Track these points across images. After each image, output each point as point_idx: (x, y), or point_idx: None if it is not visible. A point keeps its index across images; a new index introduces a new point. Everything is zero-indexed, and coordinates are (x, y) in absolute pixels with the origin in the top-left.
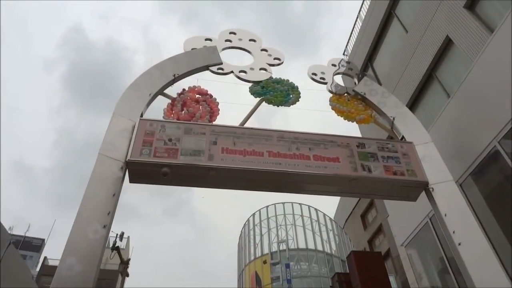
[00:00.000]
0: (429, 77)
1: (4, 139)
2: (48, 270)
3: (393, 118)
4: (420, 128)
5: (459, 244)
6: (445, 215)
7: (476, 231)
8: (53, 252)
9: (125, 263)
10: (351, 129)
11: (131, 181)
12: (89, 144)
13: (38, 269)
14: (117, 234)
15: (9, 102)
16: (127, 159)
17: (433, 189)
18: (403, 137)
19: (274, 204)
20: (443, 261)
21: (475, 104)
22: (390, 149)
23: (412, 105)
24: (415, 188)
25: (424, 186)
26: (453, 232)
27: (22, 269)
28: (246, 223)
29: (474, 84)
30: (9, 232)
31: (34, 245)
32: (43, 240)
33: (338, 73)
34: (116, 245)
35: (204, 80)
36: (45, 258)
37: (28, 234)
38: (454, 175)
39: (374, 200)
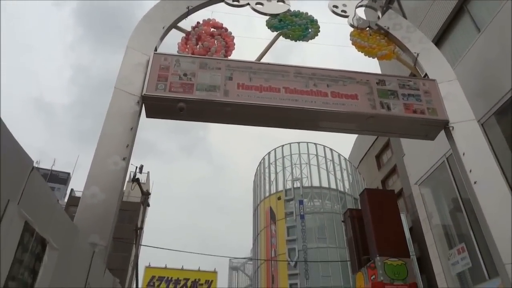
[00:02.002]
0: (459, 10)
1: (21, 76)
2: (75, 201)
3: (417, 54)
4: (445, 65)
5: (475, 182)
6: (464, 154)
7: (493, 170)
8: (78, 185)
9: (145, 194)
10: (372, 68)
11: (148, 115)
12: (105, 81)
13: (66, 200)
14: (136, 167)
15: (23, 39)
16: (143, 94)
17: (453, 128)
18: (426, 74)
19: (289, 143)
20: (457, 201)
21: (506, 40)
22: (411, 87)
23: (439, 40)
24: (434, 126)
25: (444, 125)
26: (470, 171)
27: (47, 194)
28: (262, 161)
29: (508, 18)
30: (36, 165)
31: (61, 178)
32: (68, 173)
33: (361, 6)
34: (136, 177)
35: (219, 13)
36: (72, 190)
37: (54, 168)
38: (477, 114)
39: (390, 140)
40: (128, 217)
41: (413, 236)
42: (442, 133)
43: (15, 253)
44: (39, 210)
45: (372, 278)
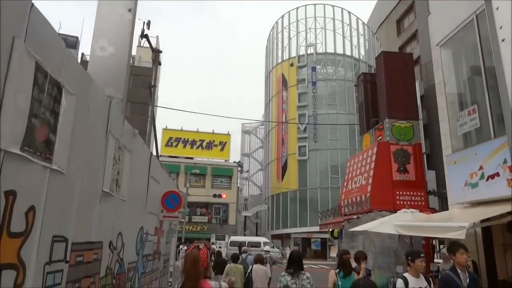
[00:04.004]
0: None
1: None
2: (87, 65)
3: None
4: None
5: (503, 40)
6: (497, 8)
7: None
8: (88, 50)
9: (155, 51)
10: None
11: None
12: None
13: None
14: (144, 22)
15: None
16: None
17: None
18: None
19: (305, 5)
20: (478, 64)
21: None
22: None
23: None
24: None
25: None
26: (500, 27)
27: (54, 36)
28: (275, 25)
29: None
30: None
31: (70, 43)
32: (77, 37)
33: None
34: (145, 33)
35: None
36: (83, 54)
37: (61, 32)
38: None
39: (415, 2)
40: (141, 81)
41: (423, 104)
42: None
43: (32, 92)
44: (48, 52)
45: (378, 138)
